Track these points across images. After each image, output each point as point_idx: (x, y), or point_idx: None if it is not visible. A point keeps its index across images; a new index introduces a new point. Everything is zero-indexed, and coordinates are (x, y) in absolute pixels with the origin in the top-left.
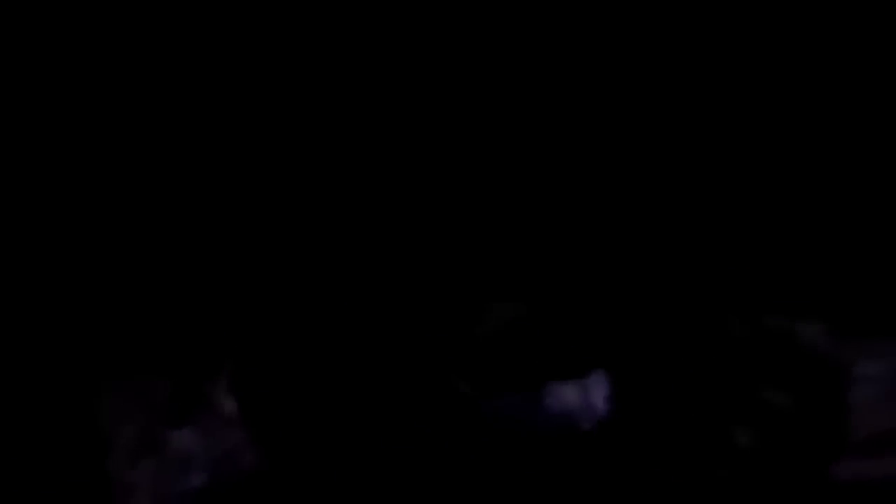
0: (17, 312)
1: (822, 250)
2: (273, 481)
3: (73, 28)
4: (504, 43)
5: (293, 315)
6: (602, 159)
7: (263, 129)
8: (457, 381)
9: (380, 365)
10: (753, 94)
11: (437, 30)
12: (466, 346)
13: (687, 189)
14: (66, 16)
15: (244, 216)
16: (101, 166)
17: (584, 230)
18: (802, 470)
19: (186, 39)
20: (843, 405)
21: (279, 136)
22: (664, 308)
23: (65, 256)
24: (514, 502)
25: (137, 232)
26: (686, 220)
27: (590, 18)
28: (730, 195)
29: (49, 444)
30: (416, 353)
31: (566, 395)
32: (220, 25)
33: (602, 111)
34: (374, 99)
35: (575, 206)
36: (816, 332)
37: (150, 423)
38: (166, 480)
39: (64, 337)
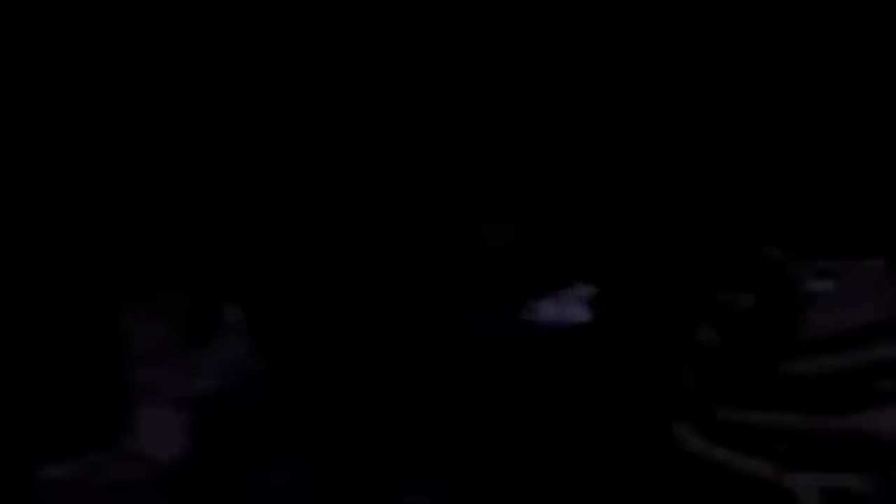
0: (47, 234)
1: (781, 181)
2: (274, 386)
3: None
4: None
5: (293, 239)
6: (571, 87)
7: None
8: (452, 297)
9: (377, 284)
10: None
11: None
12: (460, 266)
13: (656, 114)
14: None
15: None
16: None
17: (562, 156)
18: (758, 365)
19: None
20: (796, 310)
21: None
22: (639, 227)
23: (86, 177)
24: (502, 408)
25: (155, 154)
26: (660, 145)
27: None
28: (699, 120)
29: (77, 355)
30: (412, 271)
31: (546, 309)
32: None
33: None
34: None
35: (553, 133)
36: (775, 251)
37: (169, 335)
38: (181, 385)
39: (89, 258)
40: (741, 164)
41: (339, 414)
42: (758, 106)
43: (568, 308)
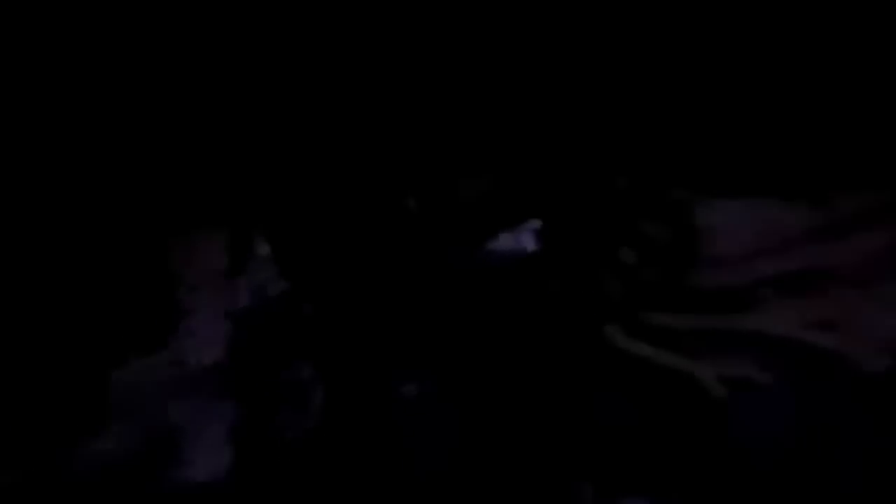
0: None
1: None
2: (295, 302)
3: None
4: None
5: (302, 185)
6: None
7: None
8: (430, 235)
9: (373, 225)
10: None
11: None
12: (439, 211)
13: (584, 67)
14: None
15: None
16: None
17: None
18: (670, 279)
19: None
20: (695, 238)
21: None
22: (581, 174)
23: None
24: (475, 312)
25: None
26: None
27: None
28: (620, 72)
29: (133, 281)
30: (399, 215)
31: (505, 241)
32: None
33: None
34: None
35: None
36: (681, 191)
37: (208, 263)
38: (220, 303)
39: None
40: (652, 126)
41: (342, 322)
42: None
43: (522, 239)
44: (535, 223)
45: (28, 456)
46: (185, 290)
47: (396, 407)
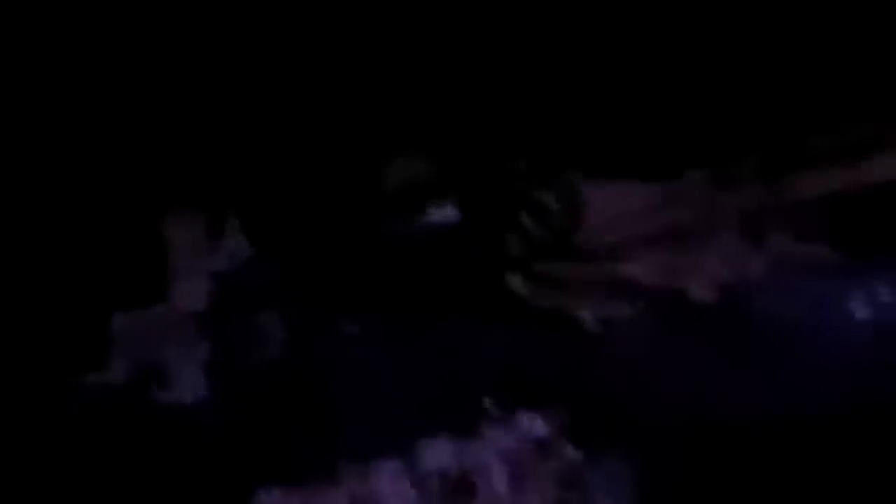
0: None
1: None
2: (265, 271)
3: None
4: None
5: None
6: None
7: None
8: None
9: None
10: None
11: None
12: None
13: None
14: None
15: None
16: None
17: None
18: (560, 239)
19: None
20: (581, 204)
21: None
22: (489, 158)
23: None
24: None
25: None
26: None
27: None
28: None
29: (134, 247)
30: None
31: (434, 213)
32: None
33: None
34: None
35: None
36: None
37: (198, 238)
38: (202, 265)
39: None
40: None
41: (299, 278)
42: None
43: (447, 212)
44: (456, 198)
45: (35, 387)
46: (176, 254)
47: (343, 342)
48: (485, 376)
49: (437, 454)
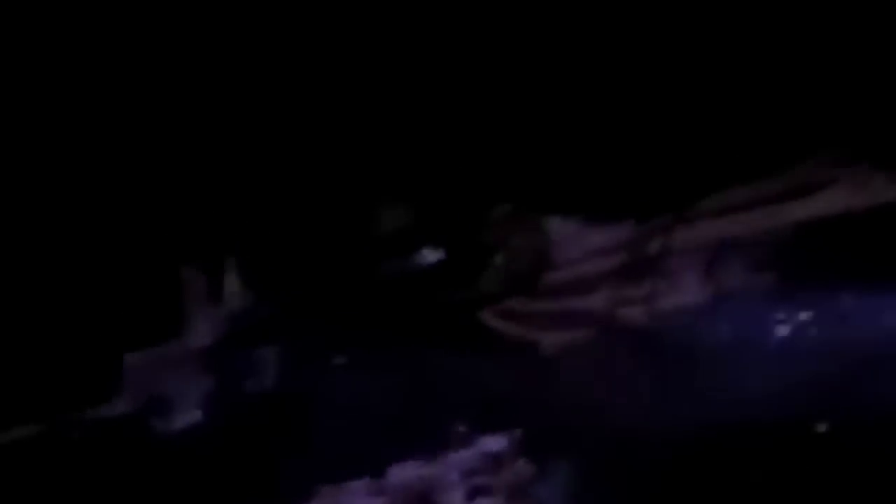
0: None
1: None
2: (264, 310)
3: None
4: None
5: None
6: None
7: None
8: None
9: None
10: None
11: None
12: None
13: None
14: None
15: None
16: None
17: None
18: (528, 276)
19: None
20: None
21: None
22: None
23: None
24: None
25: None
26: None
27: None
28: None
29: (140, 295)
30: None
31: (418, 256)
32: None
33: None
34: None
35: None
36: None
37: (209, 280)
38: (208, 309)
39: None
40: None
41: (295, 315)
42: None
43: (428, 254)
44: (438, 242)
45: (44, 416)
46: (181, 295)
47: (330, 371)
48: (454, 399)
49: (404, 471)
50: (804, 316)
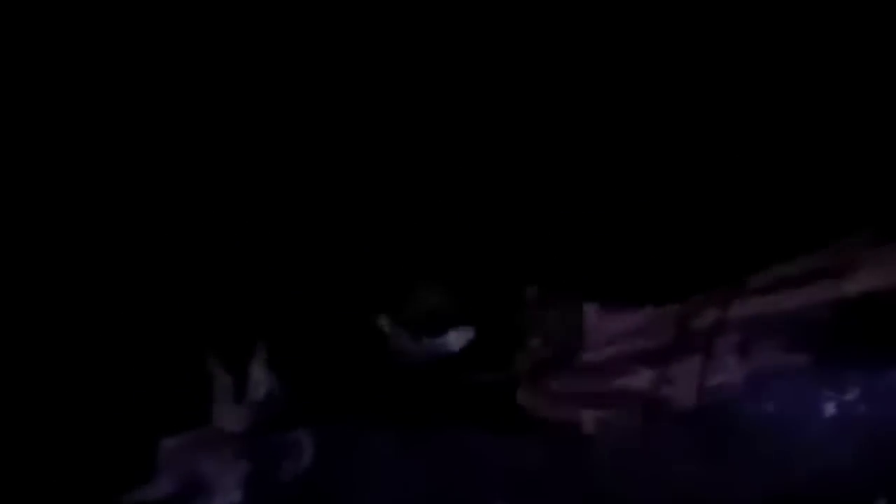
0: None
1: None
2: (296, 395)
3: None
4: None
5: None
6: None
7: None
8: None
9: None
10: None
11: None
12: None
13: None
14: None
15: None
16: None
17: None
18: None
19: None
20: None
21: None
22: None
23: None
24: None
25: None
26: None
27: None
28: None
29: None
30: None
31: (451, 336)
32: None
33: None
34: None
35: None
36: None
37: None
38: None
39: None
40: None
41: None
42: None
43: (461, 335)
44: (472, 323)
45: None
46: (215, 384)
47: (366, 453)
48: (492, 479)
49: None
50: (851, 394)
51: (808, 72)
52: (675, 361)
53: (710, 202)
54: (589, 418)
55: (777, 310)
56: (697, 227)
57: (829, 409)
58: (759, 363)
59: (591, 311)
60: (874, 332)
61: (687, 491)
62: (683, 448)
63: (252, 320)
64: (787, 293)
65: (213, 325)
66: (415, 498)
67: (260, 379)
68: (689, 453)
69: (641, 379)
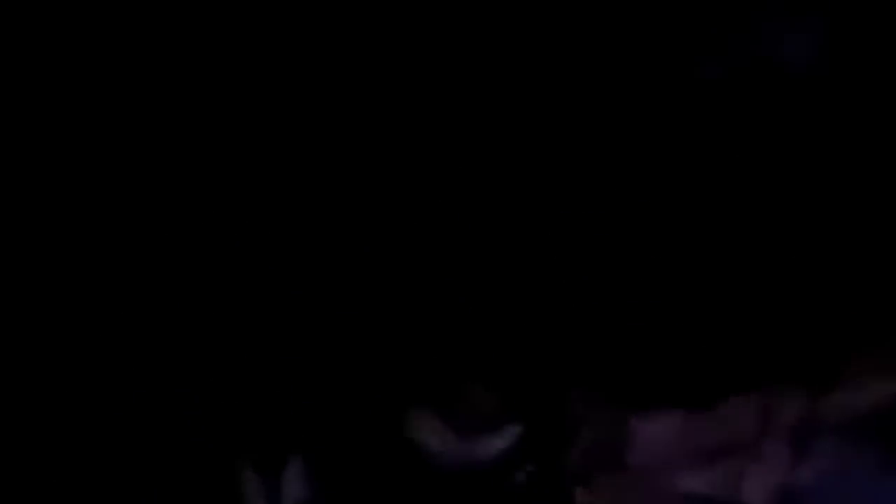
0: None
1: None
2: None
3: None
4: None
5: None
6: None
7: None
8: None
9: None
10: None
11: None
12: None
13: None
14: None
15: None
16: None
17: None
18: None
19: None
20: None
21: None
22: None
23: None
24: None
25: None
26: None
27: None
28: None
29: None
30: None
31: (499, 438)
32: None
33: None
34: None
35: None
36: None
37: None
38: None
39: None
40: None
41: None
42: None
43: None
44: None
45: None
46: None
47: None
48: None
49: None
50: None
51: None
52: (724, 462)
53: (755, 301)
54: None
55: (827, 409)
56: (741, 321)
57: None
58: (828, 463)
59: (638, 412)
60: None
61: None
62: None
63: (286, 427)
64: (837, 392)
65: (242, 432)
66: None
67: (293, 488)
68: None
69: (701, 481)
